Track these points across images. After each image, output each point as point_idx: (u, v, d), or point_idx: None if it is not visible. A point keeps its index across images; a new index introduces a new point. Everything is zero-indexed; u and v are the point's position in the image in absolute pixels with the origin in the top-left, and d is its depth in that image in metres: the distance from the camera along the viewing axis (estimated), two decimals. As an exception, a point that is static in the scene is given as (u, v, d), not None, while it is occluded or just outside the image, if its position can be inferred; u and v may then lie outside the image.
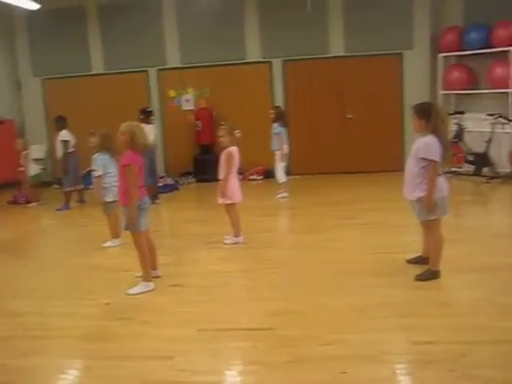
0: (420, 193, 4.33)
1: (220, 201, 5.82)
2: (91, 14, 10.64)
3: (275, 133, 8.33)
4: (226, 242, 5.88)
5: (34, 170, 9.20)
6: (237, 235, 5.90)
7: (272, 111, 8.52)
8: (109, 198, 5.95)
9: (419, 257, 4.74)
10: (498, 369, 2.95)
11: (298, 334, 3.56)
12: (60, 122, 8.58)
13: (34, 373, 3.25)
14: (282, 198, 8.36)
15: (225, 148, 5.78)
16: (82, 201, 8.76)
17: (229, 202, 5.82)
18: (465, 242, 4.89)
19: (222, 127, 5.92)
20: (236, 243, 5.85)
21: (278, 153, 8.39)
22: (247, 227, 6.37)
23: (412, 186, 4.40)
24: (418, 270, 4.59)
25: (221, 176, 5.81)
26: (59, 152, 8.56)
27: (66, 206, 8.47)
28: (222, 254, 5.61)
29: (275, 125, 8.33)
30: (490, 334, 3.38)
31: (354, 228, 6.26)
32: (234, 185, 5.83)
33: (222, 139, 5.80)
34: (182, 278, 4.74)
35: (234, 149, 5.77)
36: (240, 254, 5.58)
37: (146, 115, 8.65)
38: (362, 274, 4.67)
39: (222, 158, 5.78)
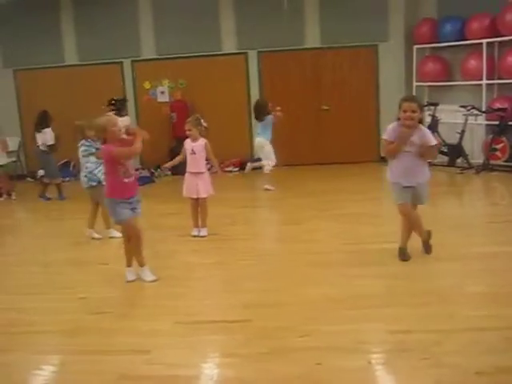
0: (424, 176, 4.55)
1: (205, 195, 5.81)
2: (64, 3, 10.45)
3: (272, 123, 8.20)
4: (203, 234, 5.86)
5: (2, 160, 8.98)
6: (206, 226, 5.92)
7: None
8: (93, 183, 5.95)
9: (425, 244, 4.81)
10: (470, 356, 3.00)
11: (275, 326, 3.57)
12: (44, 119, 8.41)
13: (9, 369, 3.20)
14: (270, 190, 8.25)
15: (196, 140, 5.79)
16: (61, 196, 8.58)
17: (210, 194, 5.85)
18: (439, 232, 4.94)
19: (187, 120, 5.89)
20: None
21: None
22: (224, 219, 6.39)
23: (415, 173, 4.50)
24: (393, 260, 4.65)
25: (198, 169, 5.80)
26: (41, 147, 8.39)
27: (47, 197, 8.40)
28: (198, 247, 5.60)
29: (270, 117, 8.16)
30: (463, 322, 3.43)
31: (330, 219, 6.30)
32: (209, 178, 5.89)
33: (189, 133, 5.78)
34: (158, 271, 4.71)
35: (206, 141, 5.81)
36: (217, 246, 5.57)
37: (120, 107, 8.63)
38: (339, 264, 4.70)
39: (199, 149, 5.77)
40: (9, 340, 3.60)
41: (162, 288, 4.41)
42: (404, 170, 4.50)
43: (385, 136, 4.53)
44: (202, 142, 5.79)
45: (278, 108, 5.75)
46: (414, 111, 4.31)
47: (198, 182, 5.78)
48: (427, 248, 4.77)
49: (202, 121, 5.87)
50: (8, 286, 4.69)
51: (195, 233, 5.87)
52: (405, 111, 4.33)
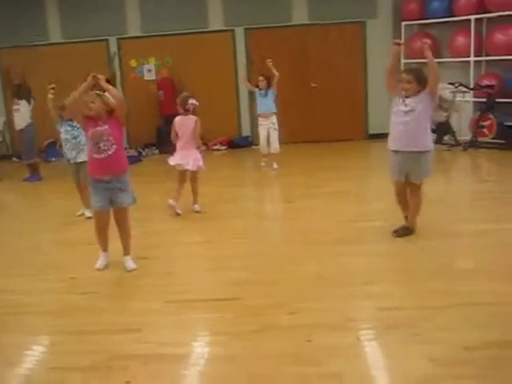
0: (422, 145, 4.48)
1: (195, 167, 5.82)
2: (47, -20, 10.27)
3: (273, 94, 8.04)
4: (197, 210, 5.92)
5: None
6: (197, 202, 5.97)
7: (262, 78, 8.10)
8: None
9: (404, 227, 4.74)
10: (457, 331, 3.04)
11: (264, 304, 3.58)
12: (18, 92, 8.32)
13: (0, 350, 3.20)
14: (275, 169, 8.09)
15: (186, 116, 5.81)
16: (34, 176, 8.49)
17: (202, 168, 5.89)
18: (427, 210, 4.96)
19: (179, 96, 5.96)
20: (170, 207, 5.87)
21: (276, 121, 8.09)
22: (212, 198, 6.37)
23: (409, 139, 4.43)
24: (382, 237, 4.68)
25: (189, 144, 5.83)
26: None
27: (37, 177, 8.31)
28: (187, 225, 5.60)
29: (272, 90, 8.01)
30: (452, 298, 3.47)
31: (319, 197, 6.30)
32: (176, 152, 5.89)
33: (178, 107, 5.85)
34: (146, 250, 4.71)
35: (177, 118, 5.83)
36: (205, 224, 5.57)
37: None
38: (328, 242, 4.72)
39: (191, 126, 5.78)
40: (-2, 321, 3.59)
41: (151, 267, 4.40)
42: (398, 131, 4.48)
43: None
44: (192, 118, 5.81)
45: (192, 100, 5.73)
46: (409, 82, 4.37)
47: (188, 156, 5.84)
48: (402, 231, 4.70)
49: (193, 100, 5.86)
50: (-4, 268, 4.66)
51: (178, 210, 5.88)
52: (401, 81, 4.43)
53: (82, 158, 5.79)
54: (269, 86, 7.99)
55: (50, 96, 6.06)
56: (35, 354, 3.19)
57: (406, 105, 4.40)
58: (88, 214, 5.69)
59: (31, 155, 8.37)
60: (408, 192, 4.69)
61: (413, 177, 4.54)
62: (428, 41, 4.52)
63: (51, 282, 4.20)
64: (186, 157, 5.82)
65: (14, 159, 10.13)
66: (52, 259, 4.81)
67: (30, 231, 5.79)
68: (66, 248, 5.13)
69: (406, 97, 4.40)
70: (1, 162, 9.38)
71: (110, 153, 4.12)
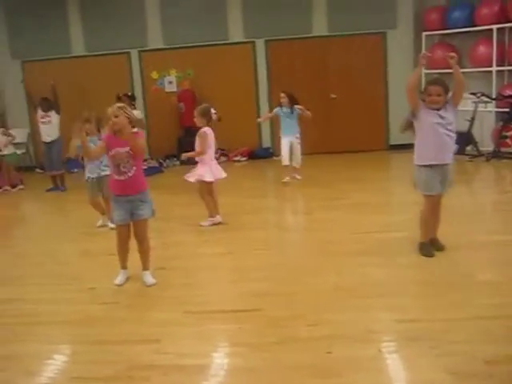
0: (452, 152, 4.44)
1: (191, 179, 5.81)
2: (71, -5, 10.46)
3: (298, 116, 7.76)
4: (202, 224, 5.86)
5: (8, 149, 8.94)
6: (212, 215, 5.89)
7: (283, 94, 7.76)
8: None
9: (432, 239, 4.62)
10: (478, 344, 3.00)
11: (284, 315, 3.57)
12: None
13: (21, 359, 3.23)
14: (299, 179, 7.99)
15: (199, 129, 5.79)
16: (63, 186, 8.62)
17: (197, 179, 5.81)
18: (449, 221, 4.91)
19: (197, 108, 5.91)
20: (213, 224, 5.84)
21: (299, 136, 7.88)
22: (232, 209, 6.39)
23: (449, 150, 4.38)
24: (402, 249, 4.64)
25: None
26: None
27: (62, 188, 8.43)
28: (207, 237, 5.61)
29: (295, 107, 7.68)
30: (473, 311, 3.42)
31: (340, 208, 6.27)
32: (208, 165, 5.82)
33: (195, 120, 5.79)
34: (166, 261, 4.73)
35: (206, 129, 5.75)
36: (226, 235, 5.58)
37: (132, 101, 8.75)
38: (348, 253, 4.69)
39: (197, 138, 5.79)
40: (20, 330, 3.62)
41: (172, 278, 4.42)
42: (438, 145, 4.31)
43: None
44: (201, 131, 5.77)
45: (213, 111, 5.70)
46: (439, 95, 4.26)
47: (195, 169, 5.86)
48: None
49: (214, 112, 5.84)
50: (18, 277, 4.71)
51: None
52: (430, 95, 4.28)
53: (105, 172, 5.79)
54: (292, 103, 7.66)
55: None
56: (57, 363, 3.22)
57: (442, 117, 4.28)
58: (111, 225, 5.72)
59: (59, 166, 8.51)
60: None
61: (447, 187, 4.47)
62: (454, 55, 4.40)
63: (71, 292, 4.24)
64: (216, 168, 5.90)
65: (38, 170, 10.28)
66: (72, 269, 4.86)
67: (51, 241, 5.85)
68: (87, 258, 5.18)
69: (437, 109, 4.28)
70: (24, 173, 9.51)
71: (130, 175, 4.12)
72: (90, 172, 5.95)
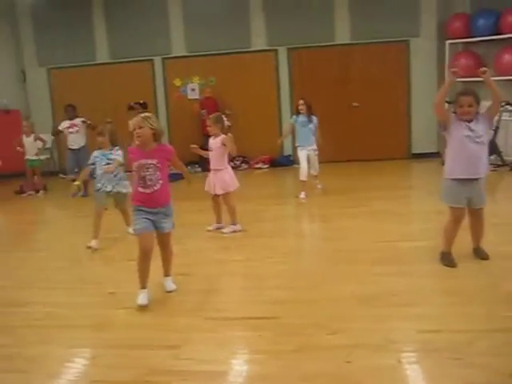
0: (485, 168, 4.34)
1: (220, 191, 5.83)
2: (96, 3, 10.61)
3: (315, 126, 7.55)
4: (224, 231, 5.88)
5: (30, 154, 9.05)
6: (234, 223, 5.92)
7: (302, 101, 7.52)
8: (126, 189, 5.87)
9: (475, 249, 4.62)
10: (501, 357, 2.94)
11: (303, 323, 3.56)
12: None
13: (42, 362, 3.27)
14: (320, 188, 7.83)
15: (215, 137, 5.81)
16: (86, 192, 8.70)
17: (227, 191, 5.84)
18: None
19: (209, 117, 5.93)
20: (235, 231, 5.86)
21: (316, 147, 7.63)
22: (252, 216, 6.40)
23: (481, 165, 4.28)
24: (423, 258, 4.59)
25: (216, 166, 5.85)
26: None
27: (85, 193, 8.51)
28: (227, 243, 5.62)
29: (313, 117, 7.51)
30: (495, 322, 3.37)
31: (360, 216, 6.24)
32: (231, 173, 5.91)
33: (209, 129, 5.82)
34: (187, 267, 4.74)
35: (223, 137, 5.79)
36: (245, 243, 5.58)
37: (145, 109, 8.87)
38: (368, 262, 4.66)
39: (216, 146, 5.79)
40: (41, 333, 3.66)
41: (191, 284, 4.43)
42: (467, 158, 4.22)
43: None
44: (219, 139, 5.77)
45: (226, 119, 5.66)
46: (470, 105, 4.17)
47: (215, 179, 5.84)
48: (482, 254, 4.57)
49: (225, 119, 5.89)
50: (39, 281, 4.77)
51: (209, 227, 5.97)
52: (461, 106, 4.20)
53: (117, 189, 5.79)
54: (310, 112, 7.45)
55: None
56: (77, 366, 3.25)
57: (472, 130, 4.18)
58: (131, 231, 5.67)
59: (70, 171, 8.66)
60: (471, 218, 4.50)
61: (478, 202, 4.38)
62: (486, 69, 4.24)
63: (92, 297, 4.28)
64: (211, 181, 5.96)
65: (61, 176, 10.41)
66: (93, 274, 4.91)
67: (73, 245, 5.92)
68: (107, 263, 5.23)
69: (469, 121, 4.19)
70: (48, 178, 9.64)
71: (155, 188, 3.97)
72: (104, 184, 5.76)
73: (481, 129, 4.22)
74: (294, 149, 10.20)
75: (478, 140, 4.20)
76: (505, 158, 8.80)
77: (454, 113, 4.30)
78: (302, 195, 7.46)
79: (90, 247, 5.57)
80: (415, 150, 10.15)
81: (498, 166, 8.68)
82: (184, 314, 3.86)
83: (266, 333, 3.46)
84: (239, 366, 3.17)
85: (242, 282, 4.56)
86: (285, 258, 5.00)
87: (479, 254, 4.54)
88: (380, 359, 3.03)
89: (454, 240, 4.49)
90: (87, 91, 10.50)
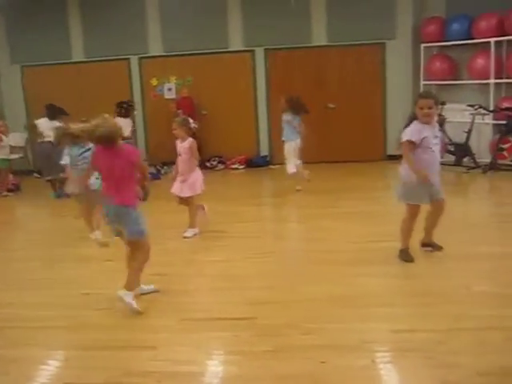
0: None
1: (188, 193, 5.76)
2: (72, 1, 10.49)
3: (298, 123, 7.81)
4: (186, 235, 5.79)
5: (1, 153, 8.83)
6: (194, 226, 5.86)
7: (283, 100, 7.93)
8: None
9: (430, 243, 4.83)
10: (472, 356, 3.01)
11: (279, 324, 3.58)
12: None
13: (15, 364, 3.23)
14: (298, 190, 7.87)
15: (182, 140, 5.76)
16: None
17: (195, 193, 5.79)
18: (445, 232, 4.94)
19: (174, 120, 5.89)
20: (196, 234, 5.84)
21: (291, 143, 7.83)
22: (231, 217, 6.41)
23: (438, 168, 4.55)
24: (397, 259, 4.65)
25: (185, 170, 5.76)
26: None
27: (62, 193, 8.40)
28: (204, 244, 5.61)
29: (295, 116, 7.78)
30: (468, 322, 3.43)
31: (335, 217, 6.29)
32: (200, 176, 5.85)
33: (174, 132, 5.76)
34: (164, 267, 4.73)
35: (190, 141, 5.76)
36: (222, 243, 5.58)
37: (126, 109, 8.76)
38: (344, 263, 4.70)
39: (184, 150, 5.73)
40: (14, 335, 3.63)
41: (167, 285, 4.41)
42: (427, 167, 4.39)
43: (406, 137, 4.38)
44: (187, 143, 5.73)
45: (192, 122, 5.74)
46: (430, 107, 4.32)
47: (183, 182, 5.76)
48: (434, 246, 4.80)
49: (192, 122, 5.86)
50: (12, 282, 4.72)
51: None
52: (421, 108, 4.33)
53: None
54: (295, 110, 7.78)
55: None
56: (50, 368, 3.22)
57: (432, 133, 4.41)
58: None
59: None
60: (431, 209, 4.69)
61: (437, 193, 4.59)
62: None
63: (65, 297, 4.24)
64: (178, 183, 5.86)
65: (36, 175, 10.27)
66: (68, 274, 4.86)
67: (47, 245, 5.85)
68: (82, 263, 5.17)
69: (427, 123, 4.35)
70: (22, 178, 9.51)
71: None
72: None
73: (437, 131, 4.47)
74: (271, 149, 10.30)
75: (436, 142, 4.41)
76: (478, 160, 8.94)
77: (414, 113, 4.44)
78: (298, 187, 7.78)
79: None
80: (391, 152, 10.26)
81: (471, 168, 8.82)
82: (160, 314, 3.85)
83: (243, 333, 3.47)
84: (215, 366, 3.17)
85: (219, 283, 4.56)
86: (261, 258, 5.01)
87: (434, 247, 4.76)
88: (354, 359, 3.07)
89: (411, 235, 4.69)
90: (62, 90, 10.36)
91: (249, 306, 3.90)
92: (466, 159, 9.05)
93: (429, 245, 4.80)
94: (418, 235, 4.76)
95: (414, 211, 4.59)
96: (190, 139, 5.74)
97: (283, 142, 7.93)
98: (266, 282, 4.37)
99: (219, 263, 5.01)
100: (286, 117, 7.84)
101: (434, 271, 4.42)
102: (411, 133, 4.37)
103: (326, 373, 2.96)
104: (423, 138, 4.34)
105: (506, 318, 3.46)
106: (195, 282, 4.55)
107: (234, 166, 10.40)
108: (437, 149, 4.47)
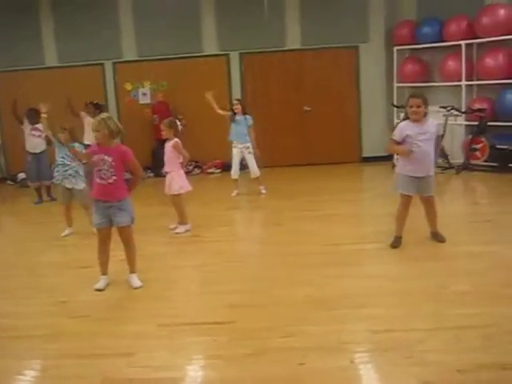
0: (433, 168, 4.96)
1: (174, 192, 6.01)
2: (44, 5, 10.37)
3: (249, 125, 7.84)
4: (177, 231, 6.01)
5: None
6: (185, 223, 6.08)
7: (236, 101, 8.07)
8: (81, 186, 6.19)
9: (433, 233, 5.16)
10: (451, 354, 3.04)
11: (258, 327, 3.58)
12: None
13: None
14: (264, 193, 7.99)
15: (169, 141, 6.03)
16: (51, 197, 8.45)
17: (179, 192, 6.02)
18: (420, 232, 5.00)
19: (163, 121, 6.12)
20: (188, 230, 6.04)
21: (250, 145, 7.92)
22: (205, 221, 6.39)
23: (430, 164, 4.89)
24: (374, 260, 4.69)
25: (168, 168, 6.07)
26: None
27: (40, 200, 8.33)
28: (181, 249, 5.59)
29: (247, 117, 7.84)
30: (445, 320, 3.47)
31: (313, 220, 6.32)
32: (183, 174, 6.13)
33: (163, 133, 6.03)
34: (140, 273, 4.68)
35: (174, 141, 6.02)
36: (199, 247, 5.56)
37: (96, 109, 8.72)
38: (321, 265, 4.72)
39: (169, 150, 6.02)
40: (-11, 345, 3.56)
41: (145, 290, 4.38)
42: (415, 162, 4.79)
43: (394, 135, 4.88)
44: (171, 143, 5.99)
45: (179, 123, 5.94)
46: (418, 106, 4.71)
47: (170, 180, 6.05)
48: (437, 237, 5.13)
49: (179, 122, 6.16)
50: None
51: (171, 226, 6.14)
52: (411, 106, 4.75)
53: (80, 186, 6.17)
54: (244, 112, 7.86)
55: (44, 115, 6.61)
56: (27, 379, 3.16)
57: (420, 130, 4.75)
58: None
59: (49, 176, 8.32)
60: (424, 206, 5.09)
61: (426, 190, 4.95)
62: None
63: (42, 306, 4.18)
64: (167, 183, 6.14)
65: (9, 182, 10.12)
66: (44, 282, 4.79)
67: (23, 253, 5.75)
68: (59, 271, 5.10)
69: (415, 120, 4.74)
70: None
71: (109, 181, 4.30)
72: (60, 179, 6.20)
73: (427, 129, 4.77)
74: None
75: (425, 137, 4.74)
76: (451, 161, 9.06)
77: (406, 114, 4.84)
78: (234, 193, 7.97)
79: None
80: (366, 154, 10.34)
81: (445, 168, 8.94)
82: (138, 320, 3.82)
83: (221, 337, 3.46)
84: (195, 371, 3.16)
85: (195, 288, 4.55)
86: (238, 262, 5.01)
87: (437, 238, 5.11)
88: (333, 361, 3.08)
89: (405, 223, 5.02)
90: (36, 96, 10.20)
91: (227, 310, 3.89)
92: (439, 160, 9.16)
93: (432, 234, 5.14)
94: (417, 235, 4.94)
95: (404, 201, 4.96)
96: (175, 139, 5.99)
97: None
98: (244, 286, 4.36)
99: (196, 268, 4.99)
100: (238, 117, 7.88)
101: (412, 271, 4.46)
102: (396, 131, 4.90)
103: (305, 375, 2.96)
104: (406, 136, 4.76)
105: (483, 315, 3.51)
106: (172, 287, 4.52)
107: (210, 171, 10.39)
108: (427, 144, 4.77)
